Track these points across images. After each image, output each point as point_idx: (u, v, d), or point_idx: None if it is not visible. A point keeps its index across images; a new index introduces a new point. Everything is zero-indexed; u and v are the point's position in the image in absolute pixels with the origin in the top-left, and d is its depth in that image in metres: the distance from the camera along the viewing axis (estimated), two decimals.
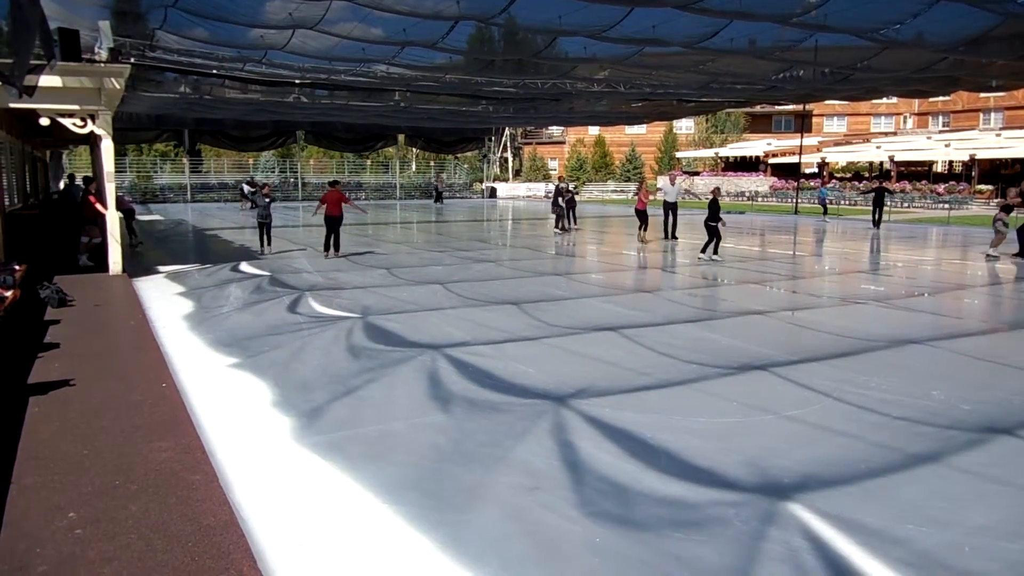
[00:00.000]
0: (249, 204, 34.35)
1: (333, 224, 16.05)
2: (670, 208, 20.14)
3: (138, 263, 14.79)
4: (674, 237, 19.92)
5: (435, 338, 8.19)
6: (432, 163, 56.64)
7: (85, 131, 12.53)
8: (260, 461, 4.88)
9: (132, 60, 16.32)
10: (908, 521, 4.03)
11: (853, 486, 4.51)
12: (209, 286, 12.07)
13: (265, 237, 16.66)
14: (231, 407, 5.96)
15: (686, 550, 3.73)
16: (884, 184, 28.59)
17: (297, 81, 24.67)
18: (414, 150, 56.96)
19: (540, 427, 5.41)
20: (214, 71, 21.96)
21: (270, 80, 24.38)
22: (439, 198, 44.32)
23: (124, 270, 13.14)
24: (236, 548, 3.61)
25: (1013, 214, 17.69)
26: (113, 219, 13.19)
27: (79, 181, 20.39)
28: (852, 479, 4.60)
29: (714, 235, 15.94)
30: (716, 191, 16.99)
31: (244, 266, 14.36)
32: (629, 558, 3.67)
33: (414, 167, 58.79)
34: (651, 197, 20.44)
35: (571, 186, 25.81)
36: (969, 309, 11.15)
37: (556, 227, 23.27)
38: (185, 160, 45.26)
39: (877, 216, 25.37)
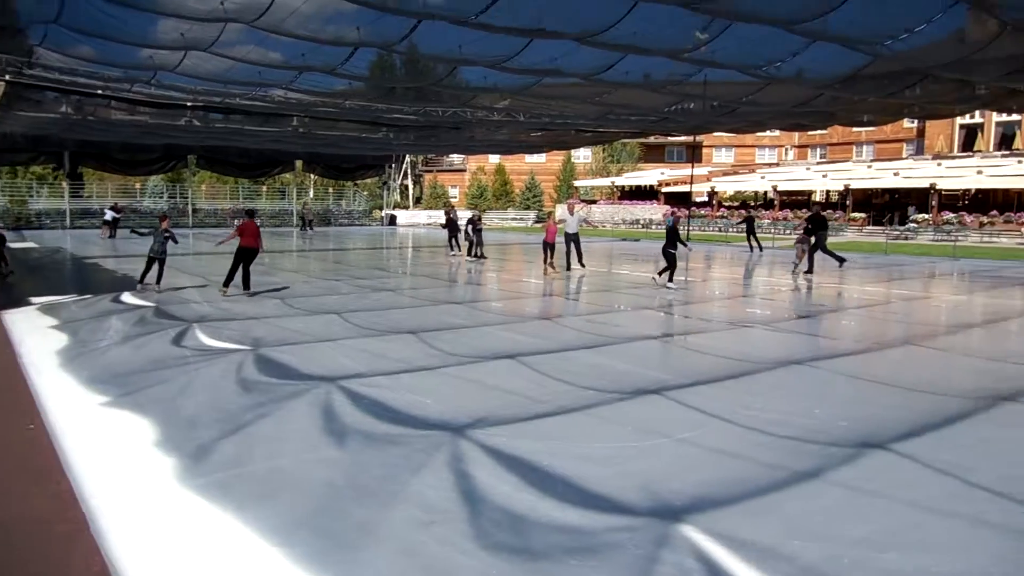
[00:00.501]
0: (108, 232, 32.82)
1: (248, 257, 14.09)
2: (571, 238, 19.79)
3: (8, 294, 13.84)
4: (581, 264, 19.71)
5: (330, 370, 7.99)
6: (331, 190, 55.81)
7: None
8: (138, 506, 4.59)
9: (7, 77, 15.40)
10: (793, 537, 4.18)
11: (742, 505, 4.64)
12: (87, 318, 11.39)
13: (154, 273, 14.26)
14: (108, 449, 5.60)
15: None
16: (752, 213, 30.70)
17: (189, 104, 23.88)
18: (312, 176, 55.99)
19: (437, 459, 5.33)
20: (99, 91, 20.98)
21: (160, 102, 23.51)
22: (307, 226, 42.84)
23: None
24: None
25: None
26: None
27: None
28: (741, 498, 4.74)
29: (672, 262, 16.09)
30: (677, 219, 17.49)
31: (126, 297, 13.63)
32: None
33: (312, 194, 57.74)
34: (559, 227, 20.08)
35: (476, 215, 26.02)
36: (845, 330, 11.78)
37: (469, 255, 23.49)
38: (65, 184, 42.83)
39: (753, 242, 27.32)
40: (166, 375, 7.78)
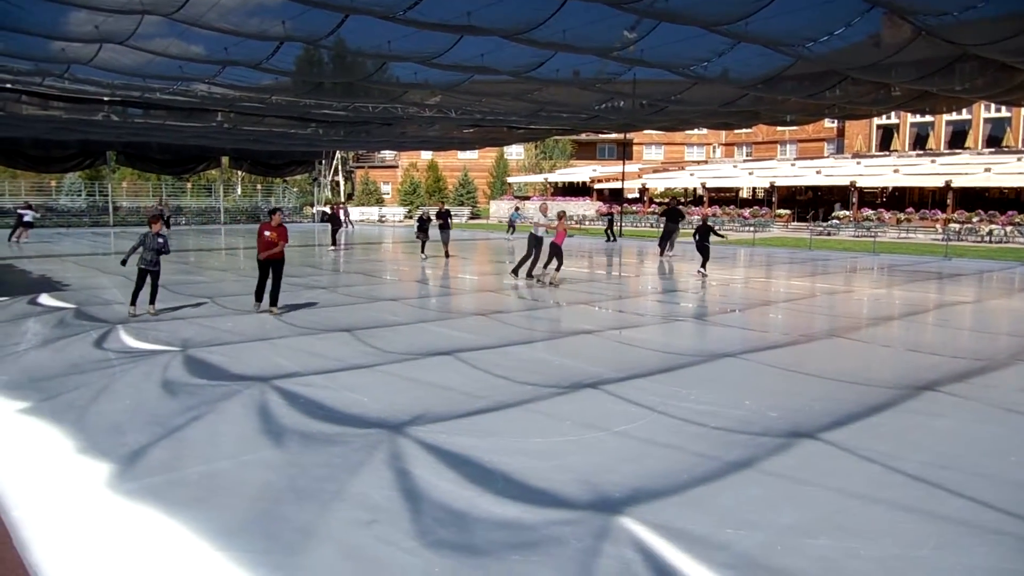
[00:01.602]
0: (18, 234, 28.49)
1: (278, 268, 11.63)
2: (537, 243, 16.70)
3: None
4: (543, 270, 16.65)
5: (263, 370, 7.81)
6: (259, 186, 54.53)
7: None
8: (64, 515, 4.40)
9: None
10: (728, 526, 4.29)
11: (678, 496, 4.74)
12: (1, 322, 10.86)
13: (148, 290, 11.25)
14: (29, 457, 5.35)
15: (524, 571, 3.75)
16: (678, 207, 30.92)
17: (106, 98, 22.96)
18: (240, 173, 54.59)
19: (376, 458, 5.27)
20: (7, 85, 19.98)
21: (75, 96, 22.54)
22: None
23: None
24: None
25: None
26: None
27: None
28: (677, 489, 4.83)
29: (706, 254, 18.16)
30: (705, 216, 18.05)
31: (44, 298, 13.05)
32: None
33: (239, 191, 56.32)
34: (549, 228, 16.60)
35: (431, 212, 25.36)
36: (773, 323, 12.14)
37: (423, 253, 22.59)
38: None
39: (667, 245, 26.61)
40: (89, 379, 7.48)
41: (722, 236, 20.59)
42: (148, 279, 11.15)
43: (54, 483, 4.89)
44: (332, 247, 26.10)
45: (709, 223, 20.16)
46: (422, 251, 22.57)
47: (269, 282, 11.58)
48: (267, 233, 11.46)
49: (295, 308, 12.23)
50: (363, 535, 4.14)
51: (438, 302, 14.39)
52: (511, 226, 33.71)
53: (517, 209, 35.73)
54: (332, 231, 26.95)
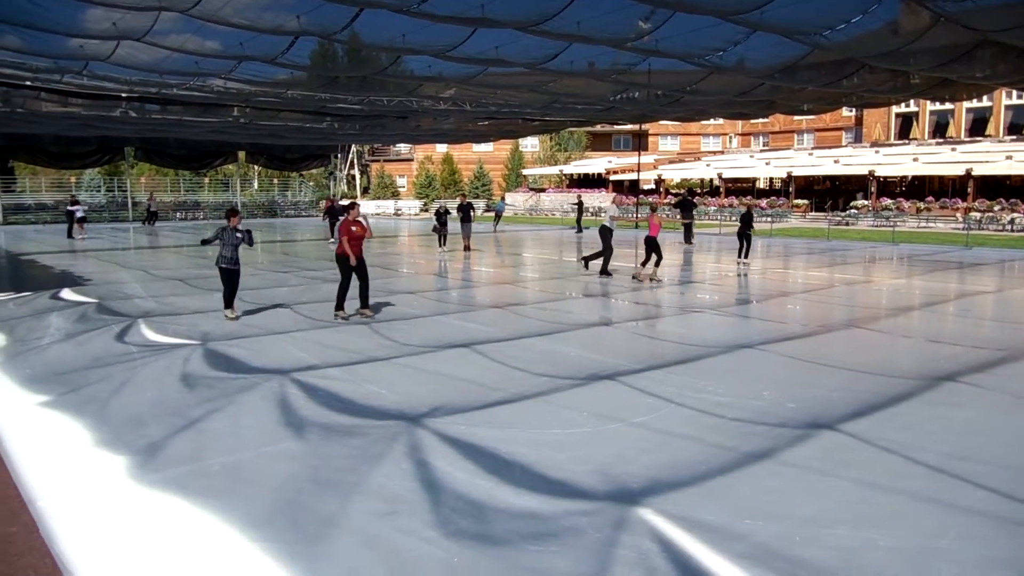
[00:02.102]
0: (76, 231, 29.01)
1: (365, 266, 10.88)
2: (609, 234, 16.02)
3: None
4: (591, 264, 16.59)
5: (282, 363, 7.89)
6: (276, 180, 54.81)
7: None
8: (88, 506, 4.47)
9: None
10: (746, 516, 4.29)
11: (696, 487, 4.75)
12: (24, 316, 11.01)
13: (230, 294, 10.73)
14: (53, 448, 5.44)
15: (542, 562, 3.78)
16: (691, 197, 31.21)
17: (124, 95, 23.12)
18: (256, 167, 54.88)
19: (395, 449, 5.32)
20: (27, 82, 20.16)
21: (93, 93, 22.71)
22: (151, 219, 38.62)
23: None
24: None
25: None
26: None
27: None
28: (694, 480, 4.84)
29: (749, 241, 18.38)
30: (750, 205, 18.15)
31: (66, 293, 13.22)
32: (487, 575, 3.66)
33: (256, 185, 56.63)
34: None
35: (446, 205, 25.38)
36: (791, 314, 12.07)
37: (441, 245, 22.35)
38: None
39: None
40: (111, 372, 7.58)
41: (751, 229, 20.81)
42: (228, 278, 10.56)
43: (78, 474, 4.97)
44: (332, 240, 26.30)
45: (753, 212, 20.15)
46: (441, 244, 22.37)
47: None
48: (354, 228, 10.57)
49: (311, 303, 12.30)
50: (384, 525, 4.18)
51: (455, 295, 14.42)
52: (498, 216, 35.01)
53: (503, 199, 36.73)
54: (330, 225, 27.20)
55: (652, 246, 15.15)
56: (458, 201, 25.57)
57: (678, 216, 26.61)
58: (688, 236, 25.21)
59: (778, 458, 5.25)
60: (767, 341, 9.26)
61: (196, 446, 5.48)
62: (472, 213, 23.99)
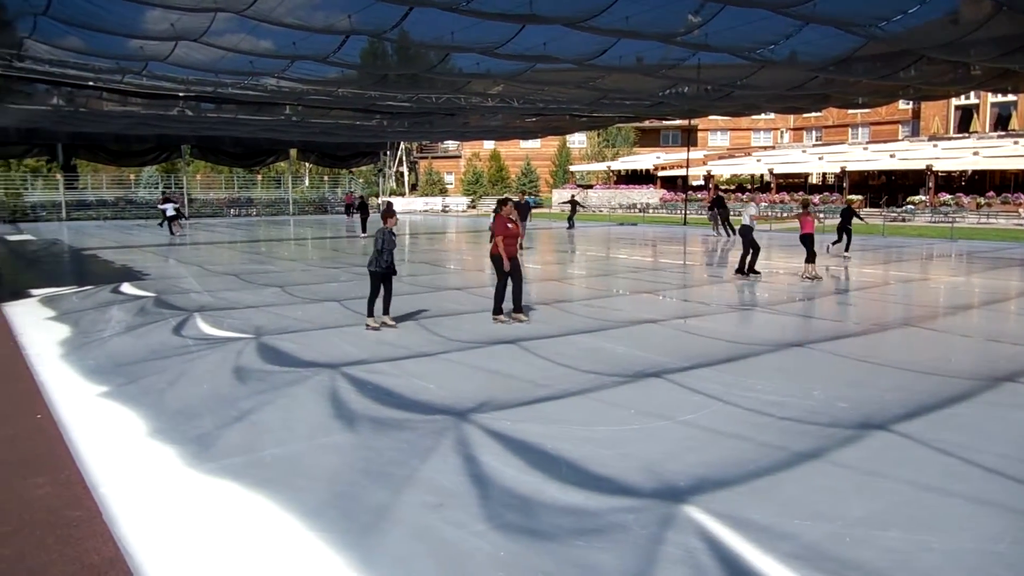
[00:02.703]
0: (173, 228, 28.59)
1: (516, 271, 10.12)
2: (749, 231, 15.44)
3: (7, 287, 13.82)
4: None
5: (332, 357, 8.03)
6: (326, 178, 55.65)
7: None
8: (147, 493, 4.64)
9: None
10: (795, 516, 4.24)
11: (744, 485, 4.70)
12: (87, 309, 11.41)
13: (381, 300, 9.92)
14: (114, 437, 5.64)
15: (588, 557, 3.79)
16: (720, 194, 30.95)
17: (181, 94, 23.73)
18: (307, 164, 55.78)
19: (443, 443, 5.38)
20: (90, 82, 20.84)
21: (152, 92, 23.36)
22: (176, 218, 33.00)
23: None
24: None
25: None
26: None
27: None
28: (743, 479, 4.80)
29: (849, 236, 19.14)
30: (850, 201, 18.68)
31: (126, 287, 13.65)
32: (534, 569, 3.70)
33: (307, 182, 57.56)
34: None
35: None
36: (844, 312, 11.84)
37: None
38: (59, 176, 42.68)
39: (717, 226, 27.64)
40: (168, 364, 7.82)
41: (862, 220, 21.49)
42: (382, 285, 9.74)
43: (137, 462, 5.15)
44: (363, 235, 27.41)
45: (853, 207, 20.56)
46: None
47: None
48: (510, 225, 9.96)
49: (360, 298, 12.48)
50: (434, 518, 4.25)
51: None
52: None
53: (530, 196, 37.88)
54: (362, 220, 28.60)
55: (807, 243, 14.90)
56: (515, 198, 25.45)
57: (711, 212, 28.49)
58: (727, 230, 26.57)
59: (828, 458, 5.17)
60: (818, 339, 9.10)
61: (249, 437, 5.63)
62: (530, 213, 23.62)
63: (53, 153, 41.42)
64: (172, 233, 28.61)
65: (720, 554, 3.82)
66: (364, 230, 27.70)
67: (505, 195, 11.48)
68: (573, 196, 38.94)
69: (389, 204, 11.37)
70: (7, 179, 46.52)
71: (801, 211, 15.42)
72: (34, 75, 19.09)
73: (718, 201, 27.92)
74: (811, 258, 14.82)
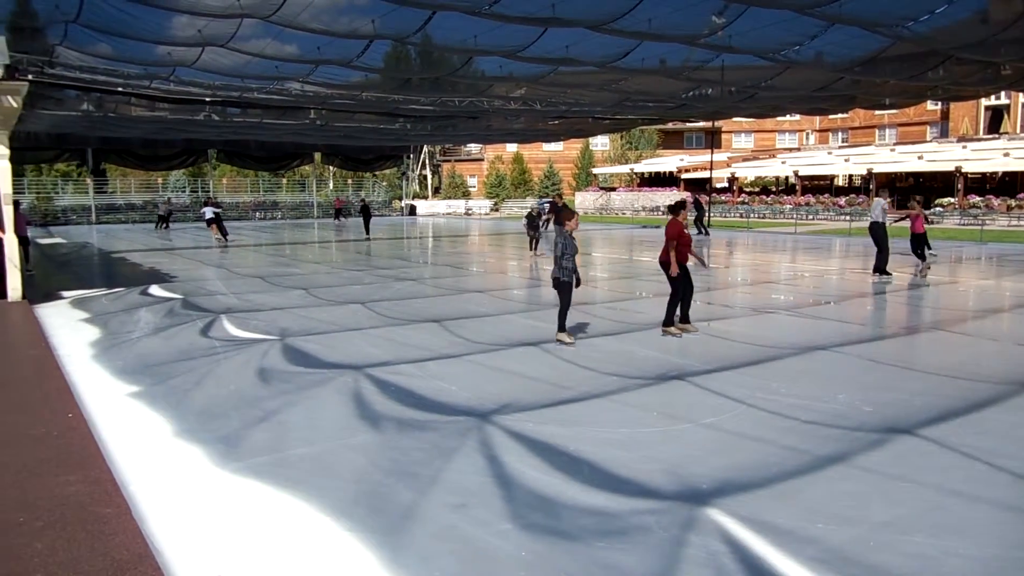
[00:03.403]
0: (218, 238, 26.38)
1: (688, 279, 9.63)
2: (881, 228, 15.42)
3: (39, 289, 14.09)
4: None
5: (356, 358, 8.10)
6: (350, 181, 56.05)
7: None
8: (176, 491, 4.72)
9: (30, 77, 15.60)
10: (818, 520, 4.22)
11: (767, 489, 4.69)
12: (117, 311, 11.60)
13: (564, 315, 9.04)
14: (143, 436, 5.74)
15: (610, 558, 3.80)
16: (698, 197, 32.14)
17: (207, 99, 24.05)
18: (331, 168, 56.23)
19: (467, 444, 5.42)
20: (119, 88, 21.20)
21: (179, 98, 23.70)
22: (164, 221, 36.62)
23: (24, 296, 12.51)
24: None
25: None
26: (11, 243, 12.55)
27: None
28: (766, 482, 4.78)
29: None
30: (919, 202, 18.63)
31: (154, 289, 13.86)
32: (556, 569, 3.71)
33: (331, 185, 58.02)
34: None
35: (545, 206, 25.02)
36: (869, 316, 11.72)
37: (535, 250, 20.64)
38: (89, 180, 43.42)
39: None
40: (195, 365, 7.93)
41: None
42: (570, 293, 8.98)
43: (165, 461, 5.23)
44: (367, 237, 28.70)
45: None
46: (532, 248, 20.64)
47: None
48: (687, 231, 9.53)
49: (383, 300, 12.56)
50: (459, 517, 4.28)
51: (524, 294, 14.50)
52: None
53: (541, 198, 38.06)
54: (364, 222, 29.93)
55: (920, 243, 15.44)
56: (551, 201, 25.07)
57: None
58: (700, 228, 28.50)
59: (853, 462, 5.13)
60: (843, 343, 9.01)
61: (275, 437, 5.70)
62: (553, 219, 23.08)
63: (83, 158, 42.17)
64: (224, 236, 26.97)
65: (743, 557, 3.81)
66: (368, 233, 29.33)
67: (682, 198, 10.98)
68: (555, 198, 40.69)
69: (565, 205, 10.26)
70: (39, 183, 47.43)
71: (915, 211, 15.64)
72: (65, 81, 19.46)
73: (696, 203, 30.01)
74: (923, 256, 15.43)
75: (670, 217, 9.56)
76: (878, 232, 14.97)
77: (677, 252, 9.31)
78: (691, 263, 9.61)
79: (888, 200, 16.58)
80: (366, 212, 30.47)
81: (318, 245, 27.96)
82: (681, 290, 9.48)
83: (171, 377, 7.46)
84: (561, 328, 8.94)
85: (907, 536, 4.05)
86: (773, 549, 3.88)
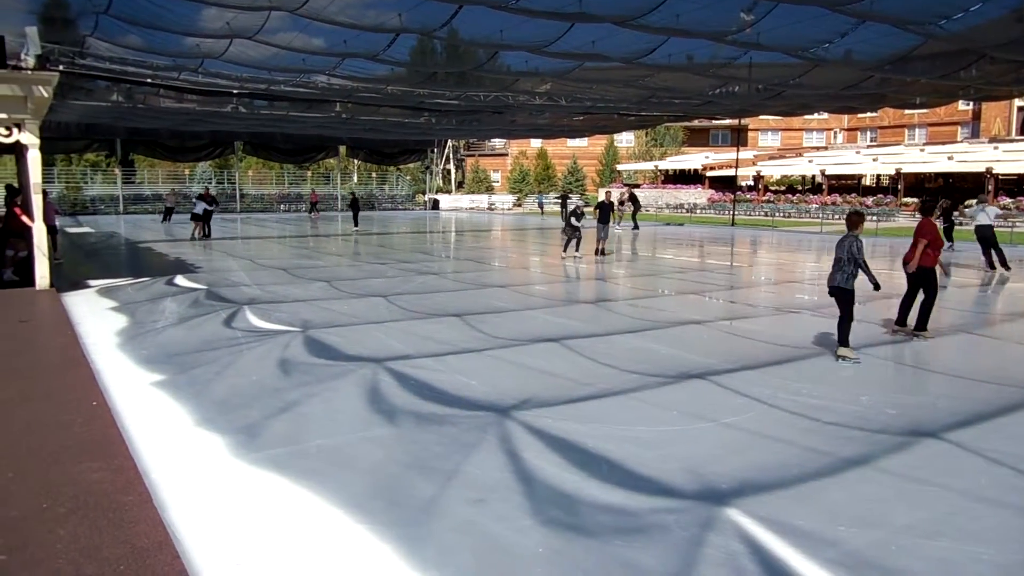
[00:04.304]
0: (200, 230, 24.48)
1: (933, 285, 9.27)
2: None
3: (67, 278, 14.30)
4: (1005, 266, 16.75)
5: (377, 351, 8.13)
6: (373, 174, 56.26)
7: (11, 140, 12.10)
8: (196, 480, 4.76)
9: (61, 68, 15.82)
10: (839, 522, 4.17)
11: (787, 490, 4.64)
12: (142, 300, 11.74)
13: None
14: (166, 425, 5.80)
15: (629, 556, 3.79)
16: (632, 192, 35.24)
17: (235, 91, 24.23)
18: (356, 161, 56.48)
19: (486, 439, 5.42)
20: (148, 79, 21.42)
21: (207, 89, 23.90)
22: (167, 216, 35.67)
23: (52, 284, 12.69)
24: (171, 570, 3.53)
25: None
26: (40, 232, 12.74)
27: None
28: (786, 483, 4.73)
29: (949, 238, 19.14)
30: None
31: (180, 279, 14.01)
32: (574, 565, 3.71)
33: (356, 178, 58.28)
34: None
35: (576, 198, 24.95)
36: (895, 317, 11.53)
37: (576, 251, 19.22)
38: (117, 171, 43.97)
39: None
40: (218, 355, 8.00)
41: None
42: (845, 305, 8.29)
43: (186, 450, 5.28)
44: (355, 228, 30.60)
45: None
46: (575, 249, 19.21)
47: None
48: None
49: (405, 294, 12.60)
50: (477, 512, 4.29)
51: (544, 289, 14.48)
52: (542, 208, 41.21)
53: (541, 192, 44.65)
54: (353, 215, 31.78)
55: (985, 235, 16.55)
56: (602, 197, 22.94)
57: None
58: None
59: (875, 464, 5.07)
60: (867, 344, 8.89)
61: (295, 428, 5.74)
62: (612, 213, 21.21)
63: (112, 148, 42.68)
64: (207, 236, 25.01)
65: (762, 558, 3.78)
66: (356, 224, 31.33)
67: (934, 196, 10.55)
68: (566, 194, 44.06)
69: (856, 210, 9.21)
70: (68, 173, 48.07)
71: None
72: (95, 72, 19.68)
73: (631, 197, 33.06)
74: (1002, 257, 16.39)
75: (920, 217, 9.17)
76: (986, 233, 16.46)
77: (925, 255, 8.96)
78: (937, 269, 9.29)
79: (996, 204, 17.50)
80: (355, 205, 32.35)
81: (341, 238, 28.11)
82: (933, 292, 9.10)
83: (194, 367, 7.53)
84: (843, 342, 8.11)
85: (930, 540, 4.00)
86: (793, 551, 3.84)
